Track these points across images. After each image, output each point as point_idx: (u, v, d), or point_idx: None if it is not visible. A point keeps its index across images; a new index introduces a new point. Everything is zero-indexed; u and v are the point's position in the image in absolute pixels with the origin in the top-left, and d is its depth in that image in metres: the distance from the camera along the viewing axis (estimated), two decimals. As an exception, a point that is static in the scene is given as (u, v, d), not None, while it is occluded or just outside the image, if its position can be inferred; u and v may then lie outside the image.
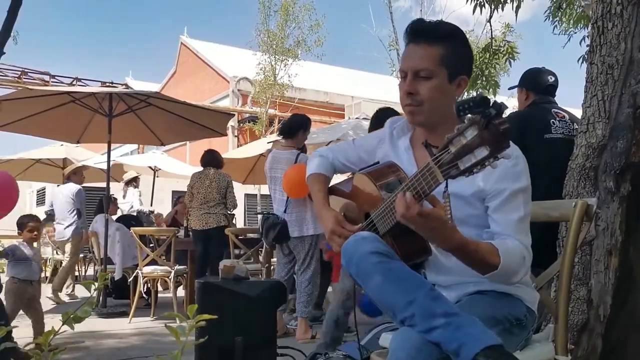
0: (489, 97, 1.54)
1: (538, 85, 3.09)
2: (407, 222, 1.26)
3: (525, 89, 3.14)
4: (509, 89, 3.24)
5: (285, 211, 4.18)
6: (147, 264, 5.32)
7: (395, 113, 4.38)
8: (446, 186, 1.18)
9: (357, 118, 7.71)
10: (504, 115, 1.06)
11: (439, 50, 1.47)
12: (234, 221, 6.61)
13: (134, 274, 5.30)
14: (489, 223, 1.45)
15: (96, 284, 1.28)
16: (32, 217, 4.06)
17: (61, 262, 7.55)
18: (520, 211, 1.43)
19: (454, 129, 1.09)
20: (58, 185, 7.76)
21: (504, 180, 1.42)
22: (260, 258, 5.95)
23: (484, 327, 1.25)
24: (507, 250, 1.36)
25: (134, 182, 8.59)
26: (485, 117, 1.04)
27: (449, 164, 1.11)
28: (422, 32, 1.49)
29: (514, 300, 1.48)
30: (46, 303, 4.70)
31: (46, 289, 5.80)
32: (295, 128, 4.35)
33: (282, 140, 4.46)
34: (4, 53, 2.55)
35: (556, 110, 2.98)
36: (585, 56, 4.22)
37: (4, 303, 3.43)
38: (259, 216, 4.38)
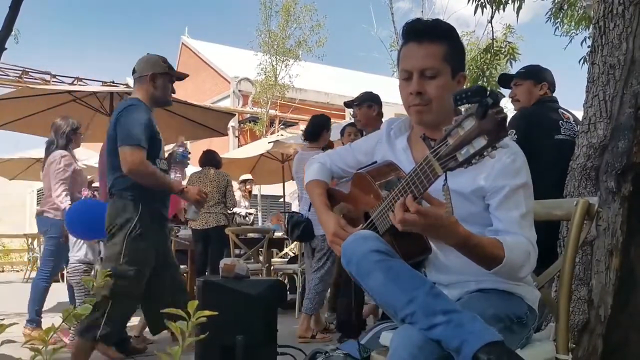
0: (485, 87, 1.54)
1: None
2: (408, 226, 1.23)
3: None
4: None
5: (309, 209, 4.21)
6: (148, 264, 5.31)
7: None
8: (445, 179, 1.16)
9: (358, 119, 7.67)
10: (500, 105, 1.06)
11: (442, 48, 1.47)
12: (233, 221, 6.59)
13: (134, 273, 5.29)
14: (492, 221, 1.44)
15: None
16: None
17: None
18: (522, 207, 1.41)
19: (452, 120, 1.09)
20: None
21: (503, 177, 1.41)
22: (261, 258, 5.95)
23: (485, 324, 1.24)
24: (510, 245, 1.35)
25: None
26: (482, 107, 1.03)
27: (448, 156, 1.09)
28: (422, 31, 1.49)
29: (515, 298, 1.48)
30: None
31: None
32: (318, 129, 4.46)
33: (306, 143, 4.57)
34: (6, 49, 2.53)
35: (562, 110, 2.98)
36: (587, 57, 4.22)
37: None
38: (285, 215, 4.45)
